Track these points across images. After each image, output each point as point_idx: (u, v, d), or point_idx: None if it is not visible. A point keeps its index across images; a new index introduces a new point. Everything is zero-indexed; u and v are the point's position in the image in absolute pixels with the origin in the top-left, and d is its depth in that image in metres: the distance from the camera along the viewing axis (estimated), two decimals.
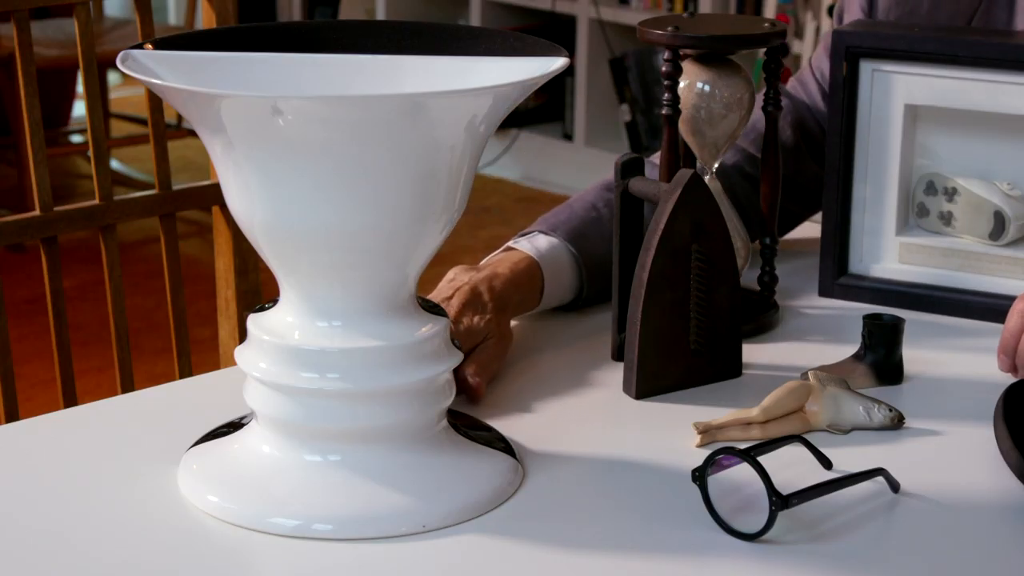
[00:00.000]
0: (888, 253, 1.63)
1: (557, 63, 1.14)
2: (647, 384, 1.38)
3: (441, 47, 1.21)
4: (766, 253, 1.57)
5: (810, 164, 1.72)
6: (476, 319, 1.39)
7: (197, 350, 2.40)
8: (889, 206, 1.62)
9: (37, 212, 1.77)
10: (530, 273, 1.49)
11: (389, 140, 1.08)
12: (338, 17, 5.93)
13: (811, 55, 1.78)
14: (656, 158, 1.64)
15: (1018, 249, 1.60)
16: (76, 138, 5.34)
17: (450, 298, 1.40)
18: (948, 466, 1.27)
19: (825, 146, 1.71)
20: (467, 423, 1.28)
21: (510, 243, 1.54)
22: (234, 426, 1.26)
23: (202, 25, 1.93)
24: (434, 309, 1.23)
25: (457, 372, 1.29)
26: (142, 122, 5.13)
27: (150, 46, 1.19)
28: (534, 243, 1.53)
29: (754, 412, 1.30)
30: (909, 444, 1.31)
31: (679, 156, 1.50)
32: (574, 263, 1.54)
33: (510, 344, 1.43)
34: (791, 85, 1.76)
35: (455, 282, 1.42)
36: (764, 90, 1.54)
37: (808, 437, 1.28)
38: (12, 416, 1.72)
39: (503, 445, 1.26)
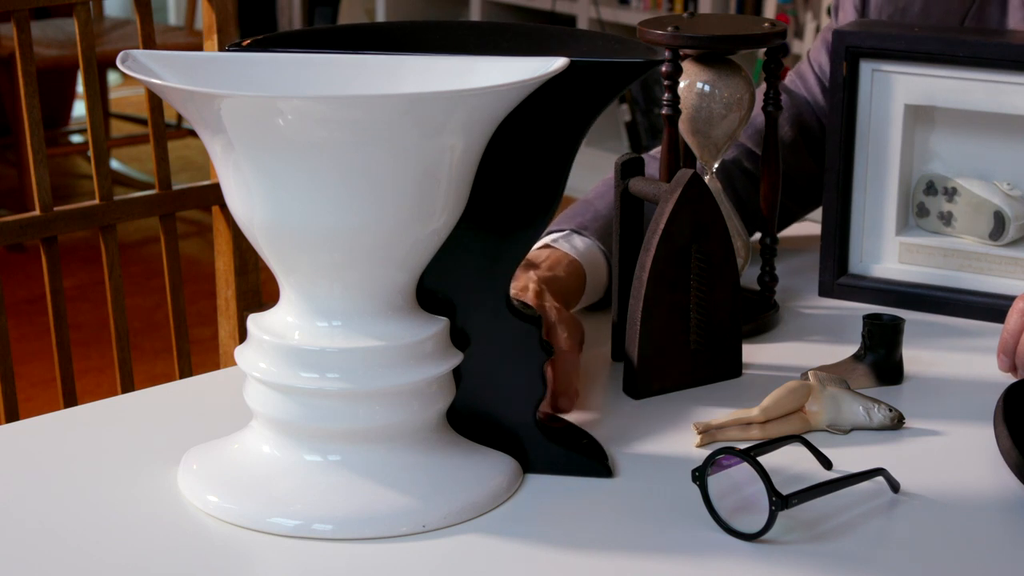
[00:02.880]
0: (888, 253, 1.63)
1: (557, 63, 1.14)
2: (647, 384, 1.38)
3: (538, 48, 1.21)
4: (766, 253, 1.57)
5: (808, 161, 1.72)
6: (573, 315, 1.40)
7: (197, 350, 2.40)
8: (889, 206, 1.62)
9: (37, 212, 1.77)
10: (579, 278, 1.50)
11: (389, 140, 1.08)
12: (338, 17, 5.93)
13: (809, 49, 1.78)
14: (656, 152, 1.64)
15: (1018, 249, 1.60)
16: (76, 138, 5.34)
17: (542, 292, 1.39)
18: (948, 466, 1.27)
19: (824, 142, 1.71)
20: (555, 423, 1.28)
21: (547, 241, 1.53)
22: None
23: (202, 25, 1.93)
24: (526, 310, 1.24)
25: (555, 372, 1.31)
26: (142, 122, 5.13)
27: (247, 42, 1.20)
28: (573, 244, 1.52)
29: (754, 412, 1.30)
30: (909, 444, 1.31)
31: (679, 156, 1.50)
32: (606, 263, 1.54)
33: None
34: (789, 80, 1.76)
35: (522, 278, 1.41)
36: (764, 90, 1.54)
37: (808, 437, 1.28)
38: (12, 416, 1.72)
39: (594, 447, 1.26)
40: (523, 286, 1.40)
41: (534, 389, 1.23)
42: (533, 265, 1.45)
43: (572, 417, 1.34)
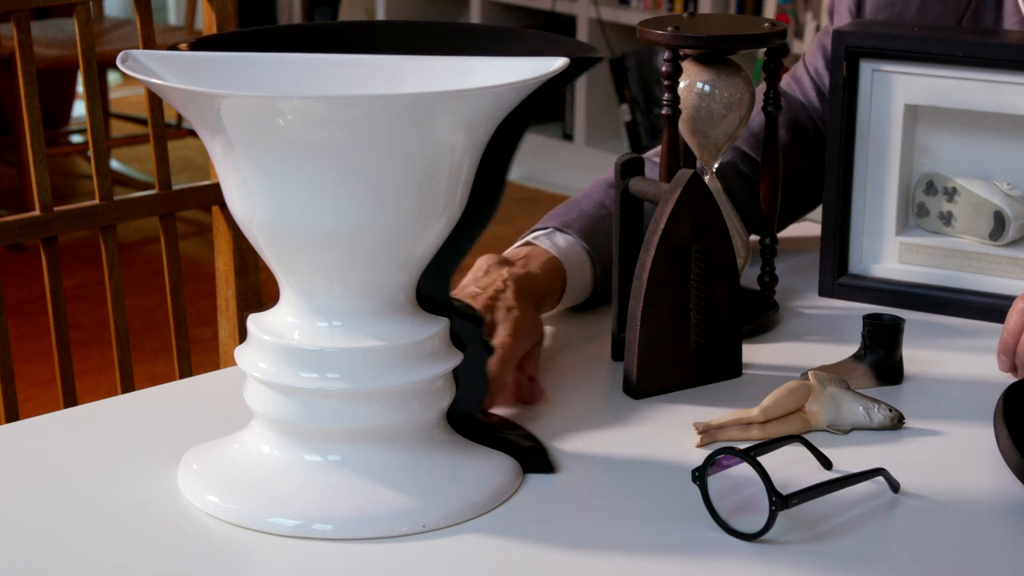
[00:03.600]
0: (888, 253, 1.63)
1: (557, 63, 1.14)
2: (647, 384, 1.38)
3: (472, 48, 1.21)
4: (766, 253, 1.57)
5: (803, 164, 1.72)
6: (534, 313, 1.39)
7: (197, 350, 2.40)
8: (889, 206, 1.62)
9: (37, 212, 1.77)
10: (557, 275, 1.49)
11: (389, 140, 1.08)
12: (338, 17, 5.93)
13: (804, 52, 1.78)
14: (654, 154, 1.64)
15: (1018, 249, 1.60)
16: (76, 138, 5.34)
17: (503, 291, 1.40)
18: (948, 466, 1.27)
19: (820, 145, 1.71)
20: (499, 421, 1.29)
21: (529, 239, 1.53)
22: None
23: (202, 25, 1.93)
24: (467, 308, 1.23)
25: (495, 371, 1.30)
26: (142, 122, 5.13)
27: (185, 46, 1.20)
28: (554, 241, 1.52)
29: (754, 412, 1.30)
30: (909, 444, 1.31)
31: (679, 156, 1.50)
32: (590, 262, 1.54)
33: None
34: (785, 83, 1.75)
35: (493, 275, 1.42)
36: (764, 90, 1.54)
37: (808, 437, 1.28)
38: (12, 416, 1.72)
39: (534, 445, 1.26)
40: (491, 283, 1.40)
41: (476, 389, 1.22)
42: (508, 263, 1.45)
43: (573, 418, 1.34)
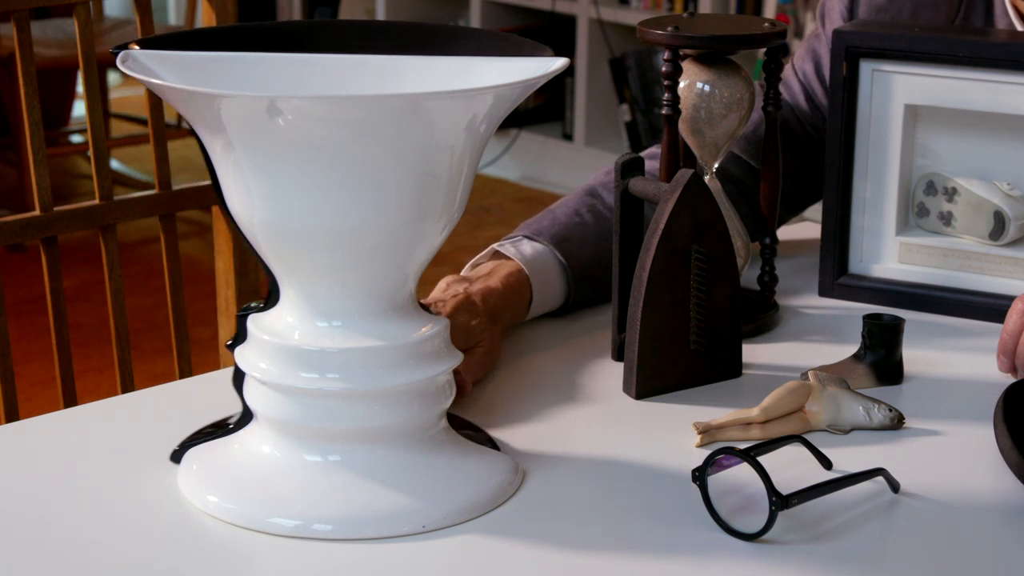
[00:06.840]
0: (888, 253, 1.63)
1: (557, 63, 1.14)
2: (647, 384, 1.38)
3: (437, 47, 1.21)
4: (766, 253, 1.57)
5: (793, 165, 1.71)
6: (473, 322, 1.39)
7: (197, 350, 2.40)
8: (889, 206, 1.62)
9: (37, 212, 1.77)
10: (520, 286, 1.49)
11: (389, 140, 1.08)
12: (338, 17, 5.93)
13: (792, 56, 1.78)
14: (650, 154, 1.64)
15: (1018, 249, 1.60)
16: (76, 138, 5.34)
17: (444, 301, 1.40)
18: (948, 466, 1.27)
19: (808, 148, 1.71)
20: (457, 423, 1.28)
21: (496, 247, 1.53)
22: (220, 426, 1.26)
23: (202, 25, 1.93)
24: (427, 309, 1.23)
25: None
26: (142, 122, 5.13)
27: (135, 46, 1.19)
28: (520, 249, 1.51)
29: (754, 412, 1.30)
30: (909, 444, 1.31)
31: (679, 156, 1.50)
32: (561, 269, 1.53)
33: (498, 358, 1.43)
34: None
35: (448, 291, 1.42)
36: (764, 90, 1.54)
37: (808, 437, 1.28)
38: (12, 416, 1.72)
39: (492, 444, 1.26)
40: (440, 299, 1.39)
41: None
42: (467, 279, 1.45)
43: (573, 417, 1.34)
